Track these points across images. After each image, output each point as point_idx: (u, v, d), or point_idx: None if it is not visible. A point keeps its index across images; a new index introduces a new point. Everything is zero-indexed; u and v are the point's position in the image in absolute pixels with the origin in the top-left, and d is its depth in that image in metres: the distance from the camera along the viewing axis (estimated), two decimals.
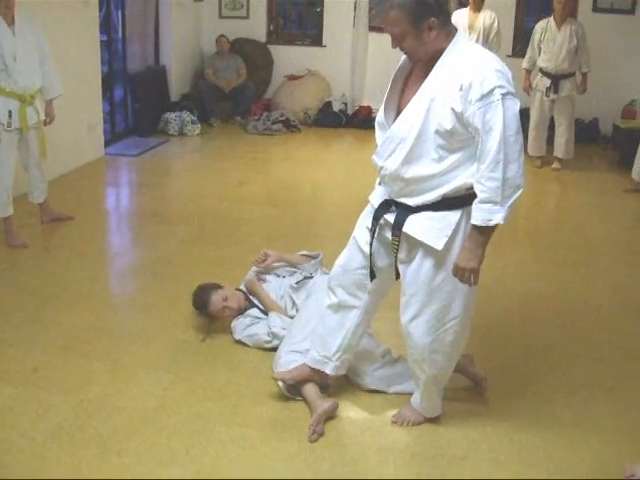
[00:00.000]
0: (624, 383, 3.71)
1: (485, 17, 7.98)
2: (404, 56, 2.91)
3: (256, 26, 10.82)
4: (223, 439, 3.12)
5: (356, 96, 10.69)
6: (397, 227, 2.91)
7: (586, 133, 9.59)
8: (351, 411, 3.37)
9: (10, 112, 5.06)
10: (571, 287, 4.98)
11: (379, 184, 3.09)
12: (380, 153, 2.91)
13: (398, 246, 2.93)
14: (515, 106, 2.64)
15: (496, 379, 3.61)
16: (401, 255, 2.96)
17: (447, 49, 2.71)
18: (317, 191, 7.36)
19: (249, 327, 3.92)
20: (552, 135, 8.35)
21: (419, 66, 2.83)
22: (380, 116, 2.94)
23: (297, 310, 3.94)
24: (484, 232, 2.73)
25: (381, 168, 2.93)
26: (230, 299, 4.00)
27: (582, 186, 7.77)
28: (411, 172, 2.81)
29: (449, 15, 2.74)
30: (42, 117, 5.37)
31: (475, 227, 2.73)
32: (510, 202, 2.68)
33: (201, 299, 4.06)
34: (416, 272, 2.93)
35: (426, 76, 2.75)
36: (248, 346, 3.90)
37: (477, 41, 7.78)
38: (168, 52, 9.86)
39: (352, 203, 6.70)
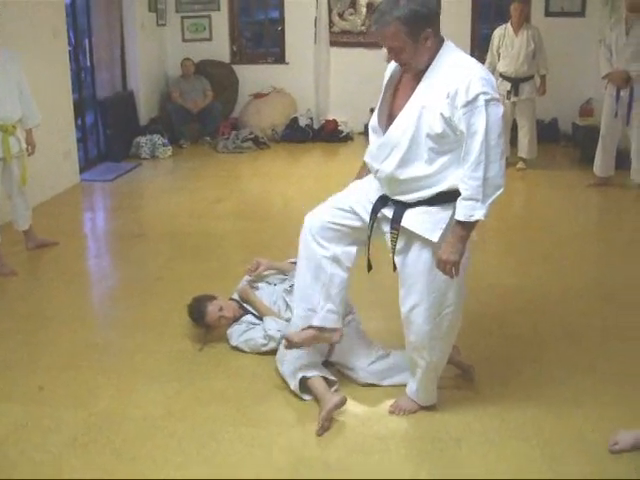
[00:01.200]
0: (602, 362, 3.92)
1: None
2: (391, 65, 3.12)
3: (219, 47, 11.02)
4: (232, 439, 3.27)
5: (321, 110, 10.91)
6: (395, 221, 3.10)
7: (547, 132, 9.89)
8: (350, 404, 3.52)
9: None
10: (545, 279, 5.20)
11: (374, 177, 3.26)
12: (376, 157, 3.12)
13: (396, 239, 3.12)
14: (498, 111, 2.82)
15: (483, 367, 3.80)
16: (398, 247, 3.15)
17: (436, 57, 2.90)
18: (289, 203, 7.53)
19: (245, 333, 4.07)
20: (515, 136, 8.61)
21: (408, 73, 3.02)
22: (373, 121, 3.15)
23: (292, 312, 4.10)
24: (465, 227, 2.92)
25: (377, 171, 3.13)
26: (225, 309, 4.16)
27: (547, 183, 8.05)
28: (406, 174, 3.00)
29: (438, 23, 2.91)
30: (24, 146, 5.50)
31: (457, 222, 2.92)
32: (490, 200, 2.88)
33: (197, 310, 4.20)
34: (414, 263, 3.12)
35: (416, 83, 2.94)
36: (245, 352, 4.05)
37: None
38: (135, 77, 10.00)
39: None
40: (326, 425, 3.32)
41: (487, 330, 4.36)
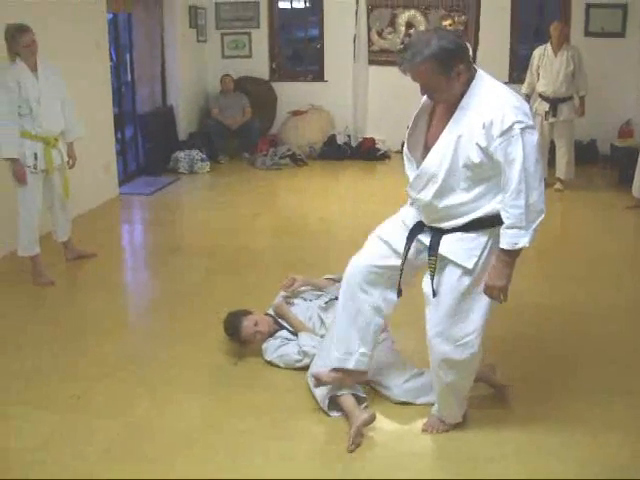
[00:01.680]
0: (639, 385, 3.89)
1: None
2: (421, 104, 3.17)
3: (259, 64, 11.12)
4: (266, 453, 3.28)
5: (359, 128, 10.93)
6: (433, 249, 3.13)
7: (585, 154, 9.82)
8: (383, 422, 3.53)
9: (35, 154, 5.27)
10: (581, 300, 5.17)
11: (410, 204, 3.31)
12: (413, 186, 3.16)
13: (435, 266, 3.13)
14: (533, 138, 2.86)
15: (518, 386, 3.77)
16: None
17: (469, 88, 2.94)
18: (327, 221, 7.56)
19: (280, 348, 4.09)
20: (553, 157, 8.56)
21: (442, 104, 3.05)
22: (406, 150, 3.21)
23: (326, 329, 4.11)
24: (511, 254, 2.96)
25: (415, 200, 3.19)
26: (260, 324, 4.18)
27: (585, 205, 7.99)
28: (443, 203, 3.04)
29: (470, 57, 2.96)
30: (65, 159, 5.59)
31: (503, 250, 2.95)
32: (534, 226, 2.91)
33: (233, 325, 4.23)
34: (448, 288, 3.13)
35: (450, 113, 2.97)
36: (279, 367, 4.06)
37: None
38: (175, 92, 10.13)
39: (360, 231, 6.87)
40: (357, 441, 3.32)
41: (523, 350, 4.33)
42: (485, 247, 3.06)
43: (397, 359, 3.87)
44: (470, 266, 3.06)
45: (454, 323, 3.15)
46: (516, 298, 4.96)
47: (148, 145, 9.43)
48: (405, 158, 3.24)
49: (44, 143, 5.34)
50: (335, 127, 10.96)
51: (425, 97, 3.13)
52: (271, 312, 4.34)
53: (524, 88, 8.46)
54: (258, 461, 3.22)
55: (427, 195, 3.07)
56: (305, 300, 4.37)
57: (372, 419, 3.41)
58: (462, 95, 2.94)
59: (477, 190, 2.99)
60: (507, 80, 10.13)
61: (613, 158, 9.53)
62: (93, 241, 6.39)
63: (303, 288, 4.43)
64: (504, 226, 2.92)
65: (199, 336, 4.52)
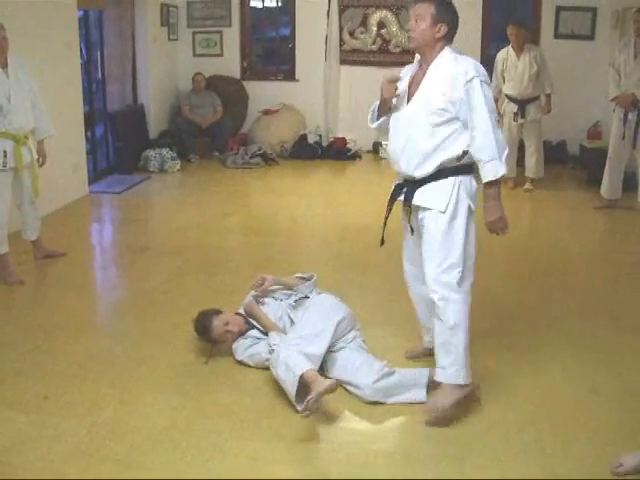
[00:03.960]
0: (606, 383, 3.91)
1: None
2: (404, 69, 3.87)
3: (230, 63, 11.10)
4: (235, 453, 3.28)
5: (330, 128, 10.95)
6: (407, 200, 3.69)
7: (555, 154, 9.94)
8: (354, 421, 3.56)
9: (5, 152, 5.22)
10: (550, 297, 5.24)
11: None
12: (392, 136, 3.77)
13: (410, 213, 3.71)
14: (490, 90, 3.55)
15: (487, 385, 3.81)
16: (418, 217, 3.69)
17: (442, 53, 3.60)
18: (297, 220, 7.58)
19: (250, 347, 4.08)
20: (522, 157, 8.65)
21: (420, 70, 3.69)
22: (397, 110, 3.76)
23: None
24: (494, 185, 3.51)
25: (392, 148, 3.76)
26: (231, 323, 4.17)
27: (554, 205, 8.07)
28: (414, 145, 3.60)
29: (453, 35, 3.63)
30: (35, 157, 5.54)
31: (487, 184, 3.50)
32: (504, 157, 3.45)
33: (203, 324, 4.22)
34: (427, 231, 3.62)
35: (424, 74, 3.62)
36: (249, 366, 4.06)
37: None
38: (145, 91, 10.07)
39: (330, 229, 6.97)
40: (313, 408, 3.35)
41: (490, 347, 4.37)
42: (453, 190, 3.55)
43: (367, 358, 3.89)
44: (443, 208, 3.54)
45: (440, 256, 3.57)
46: (481, 295, 5.08)
47: (118, 143, 9.36)
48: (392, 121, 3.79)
49: (14, 141, 5.29)
50: (306, 126, 10.96)
51: (404, 70, 3.85)
52: (241, 312, 4.33)
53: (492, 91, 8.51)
54: (227, 461, 3.21)
55: (401, 138, 3.65)
56: (275, 299, 4.36)
57: (333, 387, 3.44)
58: (434, 58, 3.59)
59: (440, 135, 3.52)
60: None
61: (582, 159, 9.62)
62: (62, 240, 6.34)
63: (273, 287, 4.42)
64: (482, 162, 3.45)
65: (168, 336, 4.50)
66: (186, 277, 5.58)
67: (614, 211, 7.62)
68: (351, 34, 10.77)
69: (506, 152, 3.47)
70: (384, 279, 5.43)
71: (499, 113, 8.47)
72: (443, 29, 3.57)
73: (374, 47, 10.76)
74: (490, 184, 3.48)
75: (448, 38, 3.62)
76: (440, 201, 3.56)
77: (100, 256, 6.54)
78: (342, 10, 10.68)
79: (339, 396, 3.73)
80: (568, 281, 5.60)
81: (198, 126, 10.29)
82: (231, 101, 10.71)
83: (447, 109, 3.50)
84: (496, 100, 8.39)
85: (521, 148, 8.70)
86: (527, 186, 8.62)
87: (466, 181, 3.59)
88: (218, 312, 4.25)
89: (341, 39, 10.78)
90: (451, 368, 3.55)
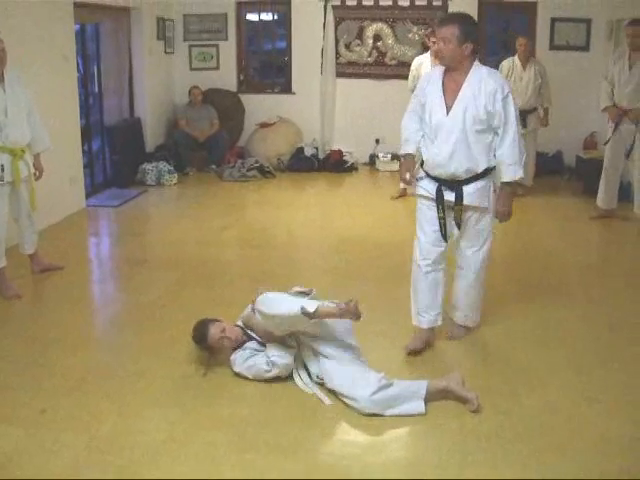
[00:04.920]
0: (605, 393, 3.91)
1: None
2: (429, 74, 4.53)
3: (226, 76, 11.13)
4: (233, 465, 3.27)
5: (327, 140, 10.97)
6: (458, 200, 4.26)
7: (551, 165, 10.00)
8: (352, 434, 3.56)
9: (2, 166, 5.21)
10: (550, 306, 5.24)
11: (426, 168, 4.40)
12: (439, 136, 4.23)
13: (461, 212, 4.31)
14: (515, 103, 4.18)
15: (485, 396, 3.81)
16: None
17: (472, 68, 4.13)
18: (294, 232, 7.58)
19: (249, 359, 4.07)
20: None
21: (450, 77, 4.20)
22: (437, 117, 4.23)
23: (296, 340, 4.10)
24: (511, 185, 4.27)
25: (438, 152, 4.24)
26: (228, 330, 4.18)
27: (551, 215, 8.09)
28: (463, 151, 4.17)
29: (478, 49, 4.19)
30: (32, 170, 5.54)
31: (505, 183, 4.25)
32: (523, 163, 4.19)
33: (200, 331, 4.24)
34: (475, 224, 4.40)
35: (459, 84, 4.14)
36: (247, 379, 4.05)
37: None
38: (142, 104, 10.09)
39: (327, 242, 6.98)
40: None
41: (487, 357, 4.39)
42: (490, 188, 4.30)
43: (364, 370, 3.88)
44: (486, 205, 4.31)
45: (481, 243, 4.46)
46: (483, 307, 5.08)
47: (115, 157, 9.37)
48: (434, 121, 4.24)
49: (11, 155, 5.29)
50: (303, 139, 10.98)
51: (428, 75, 4.48)
52: (240, 324, 4.34)
53: None
54: (226, 474, 3.21)
55: (450, 143, 4.16)
56: None
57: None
58: (468, 71, 4.12)
59: (484, 141, 4.15)
60: None
61: (578, 169, 9.66)
62: (60, 254, 6.33)
63: None
64: (506, 164, 4.17)
65: (166, 349, 4.50)
66: (184, 290, 5.58)
67: (610, 221, 7.65)
68: (347, 47, 10.81)
69: (524, 158, 4.20)
70: (382, 290, 5.44)
71: None
72: (469, 47, 4.08)
73: (370, 60, 10.79)
74: (508, 183, 4.24)
75: (475, 53, 4.15)
76: (485, 199, 4.28)
77: (97, 270, 6.53)
78: (338, 23, 10.72)
79: (337, 408, 3.75)
80: (564, 291, 5.60)
81: (195, 139, 10.30)
82: (228, 114, 10.74)
83: (488, 119, 4.10)
84: None
85: None
86: (520, 192, 8.73)
87: (492, 179, 4.31)
88: (216, 320, 4.27)
89: (337, 52, 10.82)
90: (474, 316, 4.72)
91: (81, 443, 3.44)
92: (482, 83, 4.08)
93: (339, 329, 4.04)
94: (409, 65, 8.56)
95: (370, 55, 10.78)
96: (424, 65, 8.26)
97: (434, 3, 10.34)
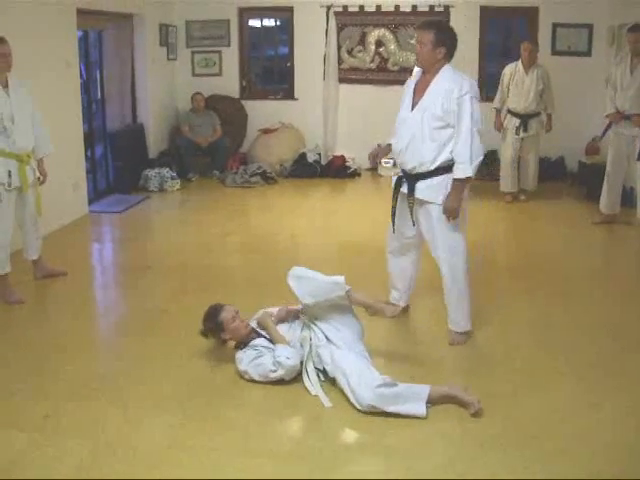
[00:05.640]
0: (608, 400, 3.91)
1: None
2: (408, 81, 4.71)
3: (229, 82, 11.13)
4: (237, 470, 3.27)
5: (329, 146, 10.96)
6: (410, 193, 4.50)
7: (553, 170, 9.99)
8: (353, 439, 3.58)
9: (10, 172, 5.24)
10: (551, 313, 5.23)
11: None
12: (398, 135, 4.56)
13: (413, 205, 4.52)
14: (478, 105, 4.32)
15: (487, 401, 3.79)
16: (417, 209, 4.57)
17: (441, 70, 4.42)
18: (297, 238, 7.58)
19: (256, 359, 4.09)
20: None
21: (423, 79, 4.51)
22: (403, 112, 4.56)
23: (308, 329, 4.22)
24: (462, 182, 4.35)
25: (398, 147, 4.55)
26: (239, 319, 4.26)
27: (554, 220, 8.08)
28: (418, 145, 4.41)
29: (452, 54, 4.47)
30: (37, 175, 5.56)
31: (456, 180, 4.34)
32: (476, 163, 4.31)
33: (212, 313, 4.31)
34: (429, 221, 4.53)
35: (427, 85, 4.42)
36: (251, 384, 4.06)
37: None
38: (145, 110, 10.11)
39: (330, 247, 6.98)
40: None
41: (489, 362, 4.39)
42: (448, 186, 4.37)
43: (370, 365, 3.95)
44: (440, 202, 4.41)
45: (445, 245, 4.52)
46: (484, 313, 5.08)
47: (118, 163, 9.39)
48: (399, 120, 4.58)
49: (18, 161, 5.31)
50: (305, 145, 10.99)
51: (407, 82, 4.71)
52: (253, 324, 4.37)
53: (495, 103, 8.70)
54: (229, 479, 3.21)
55: (406, 137, 4.44)
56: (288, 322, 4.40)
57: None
58: (436, 73, 4.41)
59: (439, 138, 4.34)
60: None
61: (581, 175, 9.65)
62: (63, 259, 6.34)
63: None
64: (457, 162, 4.31)
65: (169, 354, 4.50)
66: (187, 296, 5.58)
67: (613, 226, 7.64)
68: (349, 53, 10.82)
69: (479, 160, 4.32)
70: (386, 294, 5.43)
71: (501, 126, 8.61)
72: (442, 51, 4.40)
73: (372, 65, 10.80)
74: (458, 180, 4.33)
75: (447, 57, 4.44)
76: (437, 195, 4.41)
77: (101, 275, 6.55)
78: (340, 29, 10.73)
79: (339, 413, 3.76)
80: (567, 296, 5.59)
81: (198, 145, 10.31)
82: (230, 120, 10.75)
83: (443, 117, 4.31)
84: (499, 112, 8.56)
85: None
86: (523, 197, 8.91)
87: (451, 177, 4.40)
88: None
89: (339, 58, 10.83)
90: (461, 320, 4.67)
91: (84, 448, 3.44)
92: (444, 83, 4.36)
93: (352, 332, 4.15)
94: (411, 71, 8.51)
95: (372, 61, 10.78)
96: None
97: (436, 9, 10.35)
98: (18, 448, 3.45)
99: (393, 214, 4.70)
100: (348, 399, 3.81)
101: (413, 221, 4.57)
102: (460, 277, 4.60)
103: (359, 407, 3.74)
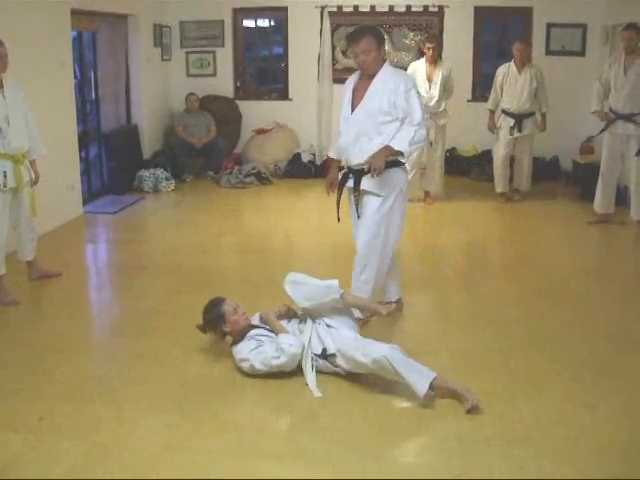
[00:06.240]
0: (604, 401, 3.91)
1: (443, 70, 8.34)
2: (349, 79, 4.85)
3: (223, 83, 11.13)
4: (232, 471, 3.27)
5: (324, 147, 10.90)
6: (356, 187, 4.73)
7: (548, 170, 10.02)
8: (350, 440, 3.55)
9: (5, 173, 5.23)
10: (546, 313, 5.23)
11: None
12: (344, 132, 4.79)
13: (359, 198, 4.76)
14: (420, 96, 4.69)
15: (483, 401, 3.79)
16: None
17: (381, 69, 4.65)
18: (292, 238, 7.59)
19: (257, 348, 4.13)
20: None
21: (363, 80, 4.70)
22: (345, 112, 4.78)
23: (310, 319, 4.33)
24: (391, 150, 4.51)
25: (344, 143, 4.78)
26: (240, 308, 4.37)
27: (548, 220, 8.10)
28: (363, 141, 4.62)
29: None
30: (32, 176, 5.56)
31: (388, 146, 4.51)
32: (413, 147, 4.59)
33: (215, 301, 4.43)
34: (369, 212, 4.72)
35: (368, 84, 4.63)
36: (247, 385, 4.06)
37: (437, 90, 8.29)
38: (139, 111, 10.10)
39: (325, 248, 6.97)
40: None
41: (487, 363, 4.38)
42: (392, 180, 4.65)
43: None
44: (384, 194, 4.65)
45: (374, 230, 4.72)
46: (478, 313, 5.09)
47: (112, 163, 9.38)
48: (343, 120, 4.81)
49: (12, 161, 5.31)
50: (300, 145, 10.99)
51: (348, 81, 4.85)
52: (255, 321, 4.42)
53: (489, 104, 8.70)
54: None
55: (351, 135, 4.65)
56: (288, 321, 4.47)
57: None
58: (377, 72, 4.62)
59: (386, 132, 4.56)
60: (470, 98, 10.30)
61: (575, 174, 9.67)
62: (57, 260, 6.33)
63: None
64: (399, 138, 4.52)
65: (164, 355, 4.50)
66: (182, 297, 5.58)
67: (607, 226, 7.66)
68: (343, 53, 10.81)
69: (416, 145, 4.61)
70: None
71: (495, 126, 8.62)
72: (383, 51, 4.69)
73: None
74: (389, 147, 4.50)
75: (384, 54, 4.75)
76: (382, 188, 4.64)
77: (95, 276, 6.54)
78: (334, 29, 10.74)
79: (336, 413, 3.77)
80: (562, 296, 5.60)
81: (192, 146, 10.30)
82: (225, 121, 10.74)
83: (390, 112, 4.55)
84: (493, 113, 8.57)
85: (512, 163, 8.85)
86: (517, 197, 8.91)
87: (399, 171, 4.71)
88: None
89: (334, 58, 10.83)
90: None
91: (79, 450, 3.43)
92: (387, 80, 4.59)
93: (351, 331, 4.29)
94: (405, 70, 8.57)
95: None
96: (419, 71, 8.30)
97: (430, 9, 10.37)
98: (13, 449, 3.44)
99: (337, 205, 4.94)
100: (353, 358, 3.94)
101: (358, 214, 4.80)
102: (375, 258, 4.80)
103: (365, 361, 3.86)
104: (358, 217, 4.84)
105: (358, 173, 4.70)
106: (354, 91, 4.75)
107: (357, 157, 4.66)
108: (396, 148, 4.49)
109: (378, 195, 4.66)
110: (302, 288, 4.31)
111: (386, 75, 4.63)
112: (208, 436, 3.56)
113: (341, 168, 5.00)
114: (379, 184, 4.63)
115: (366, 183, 4.67)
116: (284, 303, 4.53)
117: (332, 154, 5.06)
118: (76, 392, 4.02)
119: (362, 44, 4.57)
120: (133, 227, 8.02)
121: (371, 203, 4.71)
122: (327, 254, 6.83)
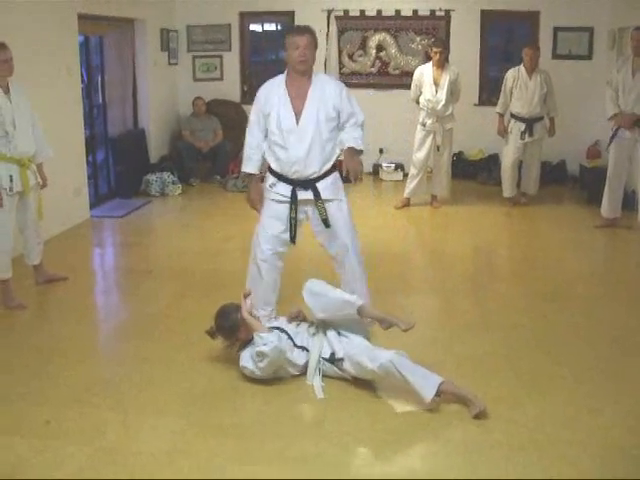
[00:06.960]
0: (609, 404, 3.90)
1: (450, 74, 8.31)
2: (267, 88, 4.76)
3: (230, 87, 11.15)
4: (237, 476, 3.27)
5: None
6: (317, 196, 4.67)
7: (555, 174, 10.02)
8: (354, 444, 3.55)
9: (11, 177, 5.25)
10: (551, 318, 5.22)
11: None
12: (292, 145, 4.58)
13: (323, 207, 4.70)
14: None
15: (490, 406, 3.79)
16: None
17: (314, 73, 4.64)
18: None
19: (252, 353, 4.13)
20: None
21: (294, 81, 4.59)
22: (286, 123, 4.57)
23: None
24: (357, 151, 4.54)
25: (293, 157, 4.59)
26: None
27: (555, 224, 8.08)
28: (316, 151, 4.56)
29: None
30: (38, 179, 5.57)
31: (350, 148, 4.51)
32: (362, 142, 4.58)
33: (230, 308, 4.45)
34: (335, 219, 4.75)
35: (305, 91, 4.55)
36: (252, 391, 4.06)
37: (443, 94, 8.27)
38: (146, 115, 10.12)
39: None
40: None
41: (493, 367, 4.37)
42: (338, 182, 4.74)
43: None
44: (340, 197, 4.74)
45: (351, 236, 4.81)
46: (484, 317, 5.08)
47: (119, 168, 9.39)
48: (284, 132, 4.58)
49: (19, 165, 5.33)
50: None
51: (269, 90, 4.74)
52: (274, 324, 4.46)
53: (498, 107, 8.69)
54: None
55: (303, 147, 4.54)
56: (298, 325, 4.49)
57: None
58: (311, 76, 4.60)
59: (334, 138, 4.59)
60: (477, 102, 10.30)
61: (582, 178, 9.66)
62: (64, 264, 6.34)
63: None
64: (352, 137, 4.53)
65: (171, 359, 4.51)
66: (188, 301, 5.59)
67: (614, 230, 7.64)
68: (350, 57, 10.83)
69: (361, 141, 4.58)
70: (385, 299, 5.43)
71: (505, 130, 8.59)
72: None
73: (373, 70, 10.81)
74: (353, 148, 4.50)
75: None
76: (338, 191, 4.73)
77: (102, 280, 6.55)
78: (341, 33, 10.75)
79: (340, 418, 3.77)
80: (569, 301, 5.59)
81: (199, 150, 10.33)
82: (231, 125, 10.73)
83: (336, 117, 4.58)
84: (502, 117, 8.57)
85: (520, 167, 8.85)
86: (524, 200, 8.89)
87: (337, 173, 4.74)
88: None
89: (340, 62, 10.84)
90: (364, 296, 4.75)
91: (84, 454, 3.44)
92: (325, 86, 4.59)
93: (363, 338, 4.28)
94: (412, 75, 8.57)
95: (373, 65, 10.79)
96: (425, 75, 8.29)
97: (437, 13, 10.37)
98: (19, 453, 3.45)
99: (294, 227, 4.85)
100: (360, 363, 3.94)
101: (327, 223, 4.74)
102: (361, 257, 4.93)
103: (372, 366, 3.86)
104: (327, 227, 4.76)
105: (311, 183, 4.65)
106: (291, 98, 4.57)
107: (312, 167, 4.60)
108: (358, 149, 4.53)
109: (340, 200, 4.74)
110: (321, 299, 4.27)
111: (322, 80, 4.66)
112: (213, 440, 3.56)
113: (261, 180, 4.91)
114: (334, 189, 4.71)
115: (325, 191, 4.67)
116: (297, 306, 4.55)
117: (251, 169, 4.81)
118: (82, 396, 4.03)
119: (307, 38, 4.52)
120: (140, 231, 8.03)
121: (339, 208, 4.75)
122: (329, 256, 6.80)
